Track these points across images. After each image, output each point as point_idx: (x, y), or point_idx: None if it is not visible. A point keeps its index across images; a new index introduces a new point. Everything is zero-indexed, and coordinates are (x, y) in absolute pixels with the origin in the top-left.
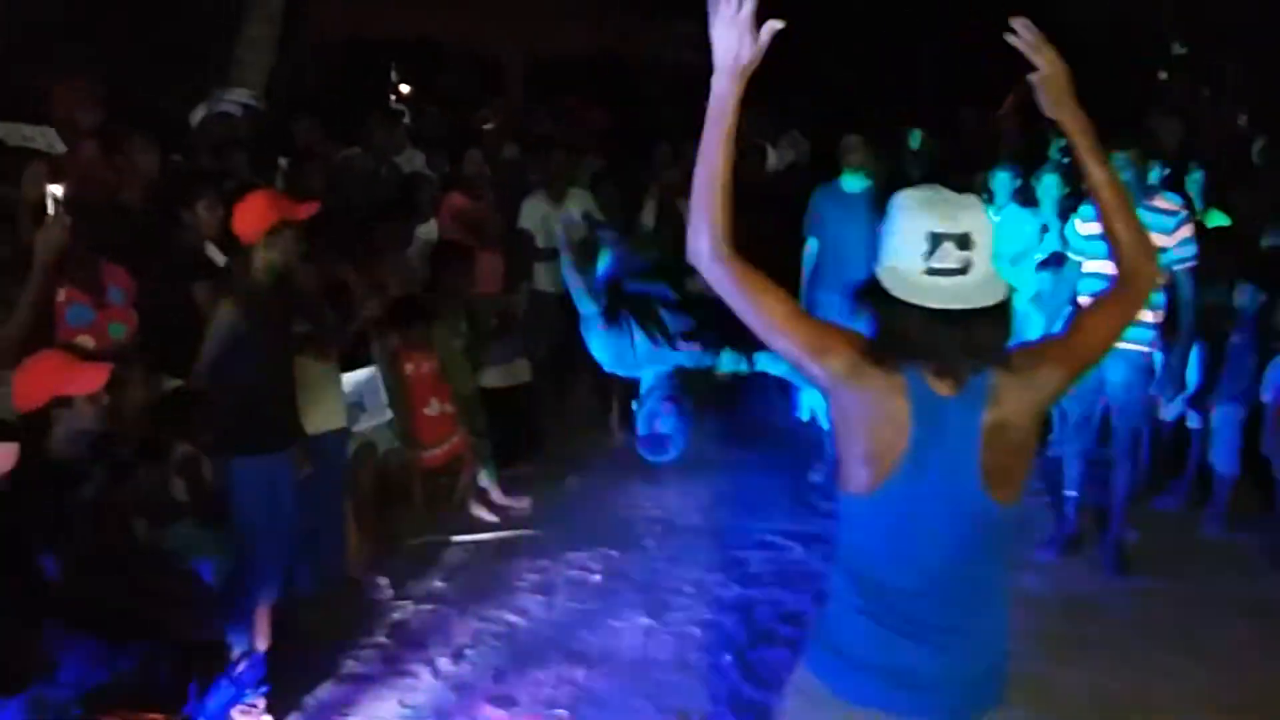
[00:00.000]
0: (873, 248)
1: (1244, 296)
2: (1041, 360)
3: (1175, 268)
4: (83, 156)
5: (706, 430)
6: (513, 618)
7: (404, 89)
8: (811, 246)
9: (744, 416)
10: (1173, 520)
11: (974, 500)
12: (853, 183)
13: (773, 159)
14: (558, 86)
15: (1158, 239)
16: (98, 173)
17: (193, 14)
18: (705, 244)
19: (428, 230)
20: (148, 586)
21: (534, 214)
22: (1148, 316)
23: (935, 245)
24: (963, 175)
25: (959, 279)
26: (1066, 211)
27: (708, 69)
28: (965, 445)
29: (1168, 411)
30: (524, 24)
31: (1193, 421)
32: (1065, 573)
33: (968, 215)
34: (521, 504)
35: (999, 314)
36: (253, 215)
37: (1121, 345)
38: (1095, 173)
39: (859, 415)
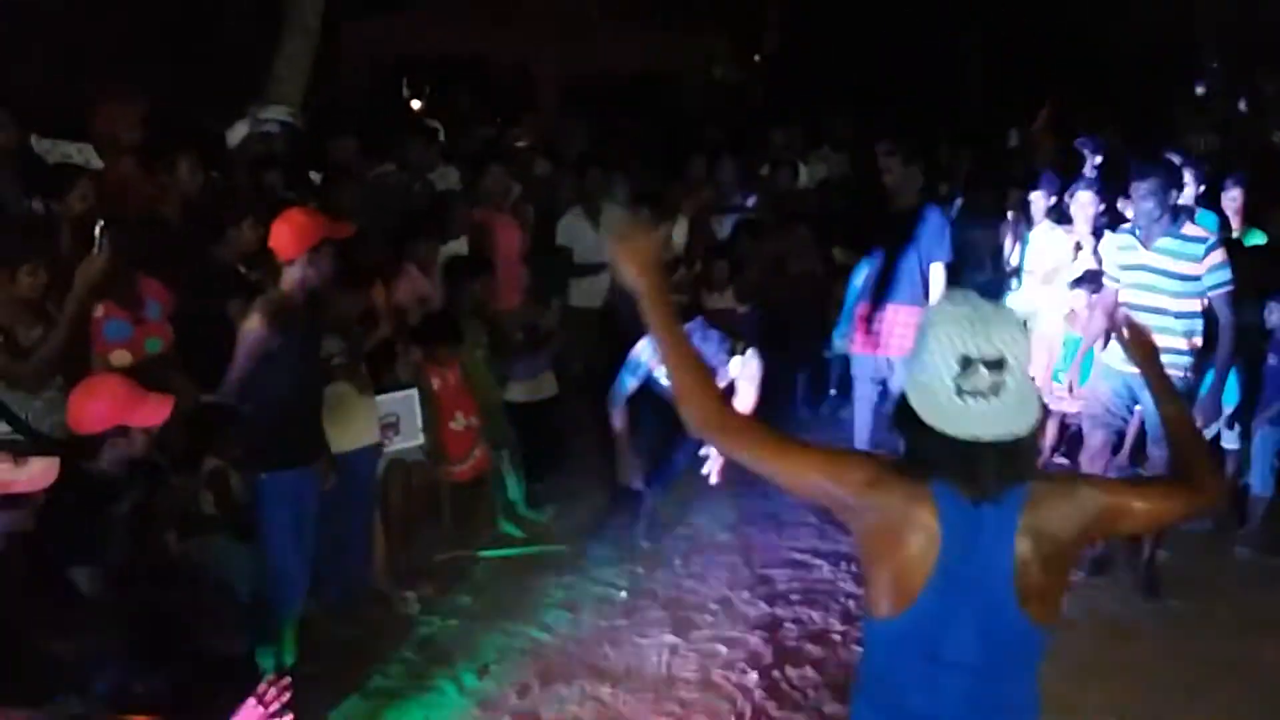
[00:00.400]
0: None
1: (1276, 317)
2: (1085, 483)
3: (1210, 294)
4: (121, 172)
5: None
6: (538, 634)
7: (415, 104)
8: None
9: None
10: (1205, 541)
11: (1008, 617)
12: (900, 201)
13: (804, 176)
14: (593, 103)
15: (1188, 267)
16: (136, 188)
17: (230, 31)
18: (698, 419)
19: (459, 246)
20: (179, 600)
21: (571, 231)
22: (1183, 343)
23: (966, 368)
24: (996, 191)
25: (991, 401)
26: (1100, 229)
27: (742, 86)
28: (999, 554)
29: (1204, 431)
30: (559, 41)
31: (1229, 441)
32: (1095, 593)
33: (1003, 336)
34: (548, 520)
35: (1025, 444)
36: (294, 233)
37: None
38: (1168, 409)
39: (885, 527)
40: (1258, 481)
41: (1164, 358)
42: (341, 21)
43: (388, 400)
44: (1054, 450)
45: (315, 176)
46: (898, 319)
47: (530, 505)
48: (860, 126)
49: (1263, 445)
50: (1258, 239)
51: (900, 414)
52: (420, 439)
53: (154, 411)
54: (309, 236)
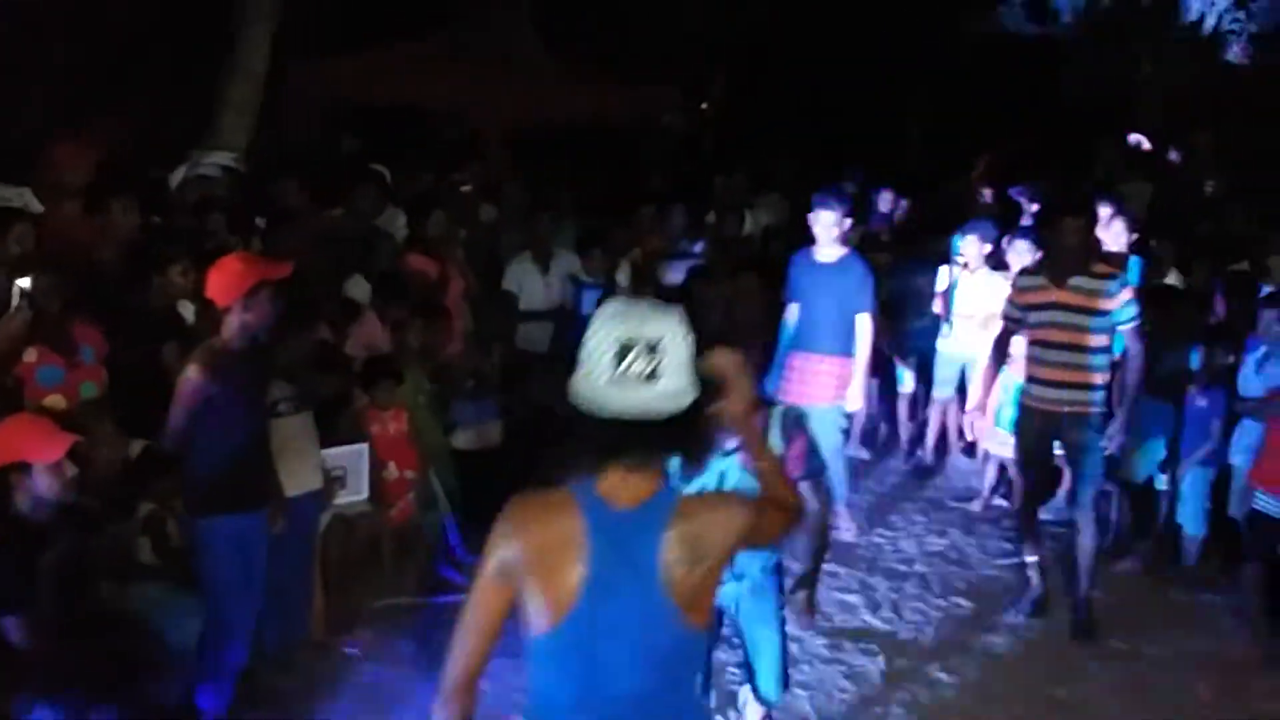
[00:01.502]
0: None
1: (1199, 359)
2: (734, 501)
3: (1121, 327)
4: (61, 216)
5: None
6: (480, 683)
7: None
8: (790, 312)
9: None
10: (1139, 581)
11: (660, 620)
12: (825, 252)
13: (749, 223)
14: (539, 150)
15: (1101, 303)
16: (75, 232)
17: (176, 76)
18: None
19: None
20: (114, 650)
21: (518, 276)
22: (1097, 378)
23: (623, 354)
24: (935, 236)
25: (644, 389)
26: None
27: (690, 134)
28: (646, 557)
29: (1136, 473)
30: (507, 88)
31: (1160, 484)
32: (1033, 634)
33: (660, 324)
34: None
35: (683, 421)
36: (228, 279)
37: (1074, 408)
38: (759, 464)
39: (531, 540)
40: (1189, 522)
41: (1080, 394)
42: (288, 65)
43: (337, 454)
44: (993, 491)
45: (260, 221)
46: (821, 368)
47: (471, 551)
48: (803, 173)
49: (1193, 486)
50: (1177, 283)
51: (561, 404)
52: (365, 494)
53: (50, 448)
54: (243, 282)
